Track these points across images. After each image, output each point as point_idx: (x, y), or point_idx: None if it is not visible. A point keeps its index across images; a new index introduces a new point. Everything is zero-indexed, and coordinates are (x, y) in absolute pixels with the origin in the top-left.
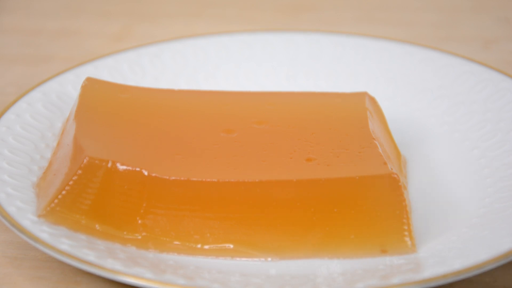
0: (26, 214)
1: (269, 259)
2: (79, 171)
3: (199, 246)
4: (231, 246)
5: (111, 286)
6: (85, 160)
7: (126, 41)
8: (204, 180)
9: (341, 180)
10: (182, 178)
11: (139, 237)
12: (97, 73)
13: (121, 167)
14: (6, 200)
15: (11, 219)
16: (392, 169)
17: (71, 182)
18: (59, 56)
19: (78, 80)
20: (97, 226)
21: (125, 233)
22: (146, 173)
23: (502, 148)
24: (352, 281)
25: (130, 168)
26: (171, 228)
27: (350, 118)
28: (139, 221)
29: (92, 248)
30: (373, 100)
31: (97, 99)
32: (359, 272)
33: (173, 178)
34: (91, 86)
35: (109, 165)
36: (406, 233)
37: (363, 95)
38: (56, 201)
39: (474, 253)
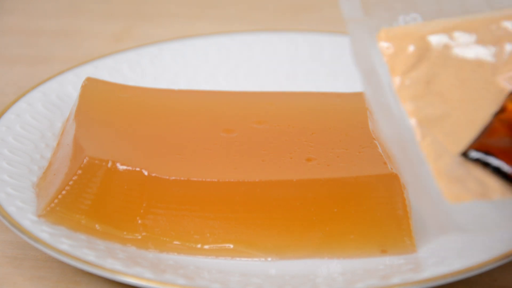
0: (26, 214)
1: (269, 259)
2: (79, 171)
3: (199, 246)
4: (231, 246)
5: (111, 286)
6: (85, 160)
7: (126, 41)
8: (204, 180)
9: (341, 180)
10: (182, 178)
11: (139, 237)
12: (97, 73)
13: (121, 167)
14: (6, 200)
15: (11, 219)
16: (392, 169)
17: (71, 182)
18: (59, 56)
19: (78, 80)
20: (97, 226)
21: (125, 233)
22: (146, 173)
23: None
24: (352, 281)
25: (130, 168)
26: (171, 228)
27: (350, 118)
28: (139, 221)
29: (92, 248)
30: None
31: (97, 99)
32: (359, 272)
33: (173, 178)
34: (91, 86)
35: (109, 165)
36: (406, 233)
37: (363, 95)
38: (56, 201)
39: (474, 253)
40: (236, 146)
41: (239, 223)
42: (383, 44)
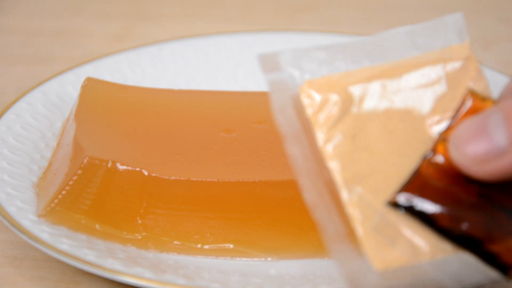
0: (26, 214)
1: (269, 259)
2: (79, 171)
3: (199, 246)
4: (231, 246)
5: (111, 286)
6: (85, 160)
7: (126, 41)
8: (204, 180)
9: None
10: (182, 178)
11: (139, 237)
12: (97, 73)
13: (121, 167)
14: (6, 200)
15: (11, 219)
16: None
17: (71, 182)
18: (59, 56)
19: (78, 80)
20: (97, 226)
21: (125, 233)
22: (146, 173)
23: None
24: None
25: (130, 168)
26: (171, 228)
27: None
28: (139, 221)
29: (92, 248)
30: None
31: (97, 99)
32: None
33: (173, 178)
34: (91, 86)
35: (109, 165)
36: None
37: None
38: (56, 201)
39: None
40: (236, 146)
41: (239, 223)
42: (306, 97)
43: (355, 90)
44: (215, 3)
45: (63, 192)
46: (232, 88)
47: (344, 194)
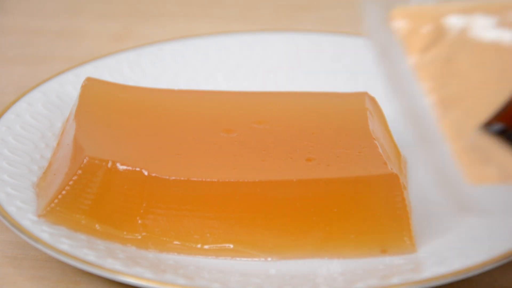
0: (26, 214)
1: (269, 259)
2: (79, 171)
3: (199, 246)
4: (231, 246)
5: (111, 286)
6: (85, 160)
7: (126, 41)
8: (204, 180)
9: (341, 180)
10: (182, 178)
11: (139, 237)
12: (97, 73)
13: (121, 167)
14: (6, 200)
15: (11, 219)
16: (392, 169)
17: (71, 182)
18: (59, 56)
19: (78, 80)
20: (97, 226)
21: (125, 233)
22: (146, 173)
23: None
24: (352, 281)
25: (130, 168)
26: (171, 228)
27: (350, 118)
28: (139, 221)
29: (92, 248)
30: (373, 100)
31: (97, 99)
32: (359, 272)
33: (173, 178)
34: (91, 86)
35: (109, 165)
36: (406, 233)
37: (363, 95)
38: (56, 201)
39: (474, 253)
40: (236, 146)
41: (239, 223)
42: (397, 23)
43: (447, 21)
44: (215, 3)
45: (63, 192)
46: (232, 88)
47: (437, 113)
